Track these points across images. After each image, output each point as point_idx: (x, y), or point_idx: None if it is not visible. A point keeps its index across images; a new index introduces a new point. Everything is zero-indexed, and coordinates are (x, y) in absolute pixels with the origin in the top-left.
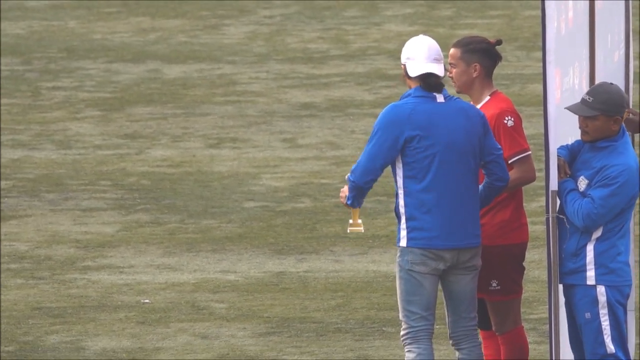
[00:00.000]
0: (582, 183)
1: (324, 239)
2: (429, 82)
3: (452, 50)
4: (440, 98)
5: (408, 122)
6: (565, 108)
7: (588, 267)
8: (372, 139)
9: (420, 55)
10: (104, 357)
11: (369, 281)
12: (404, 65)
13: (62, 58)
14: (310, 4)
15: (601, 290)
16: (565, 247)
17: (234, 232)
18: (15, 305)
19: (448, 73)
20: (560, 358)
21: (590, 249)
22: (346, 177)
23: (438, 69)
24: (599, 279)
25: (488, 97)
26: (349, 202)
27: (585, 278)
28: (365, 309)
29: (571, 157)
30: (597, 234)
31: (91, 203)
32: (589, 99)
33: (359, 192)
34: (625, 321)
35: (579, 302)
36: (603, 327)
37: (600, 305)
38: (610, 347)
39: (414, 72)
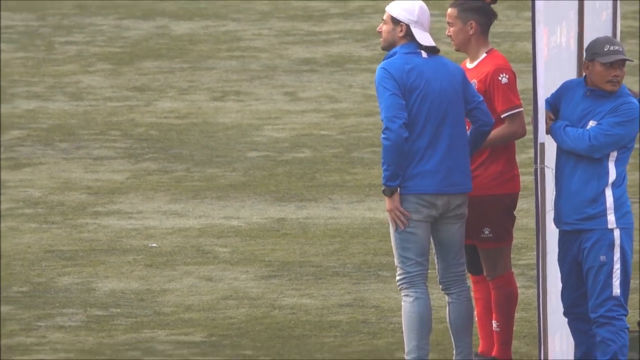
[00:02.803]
0: (592, 124)
1: (322, 188)
2: (432, 49)
3: (449, 10)
4: (424, 54)
5: (405, 76)
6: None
7: (608, 212)
8: (381, 94)
9: (426, 23)
10: (113, 298)
11: (365, 227)
12: (407, 25)
13: (75, 14)
14: None
15: (618, 233)
16: (578, 194)
17: (238, 180)
18: (29, 248)
19: (446, 31)
20: (547, 301)
21: (609, 194)
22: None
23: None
24: (618, 222)
25: (484, 55)
26: (390, 183)
27: (606, 222)
28: (361, 254)
29: (552, 109)
30: (612, 178)
31: (102, 152)
32: (619, 48)
33: (397, 154)
34: (631, 267)
35: (595, 245)
36: (614, 269)
37: (615, 249)
38: (617, 289)
39: (422, 39)
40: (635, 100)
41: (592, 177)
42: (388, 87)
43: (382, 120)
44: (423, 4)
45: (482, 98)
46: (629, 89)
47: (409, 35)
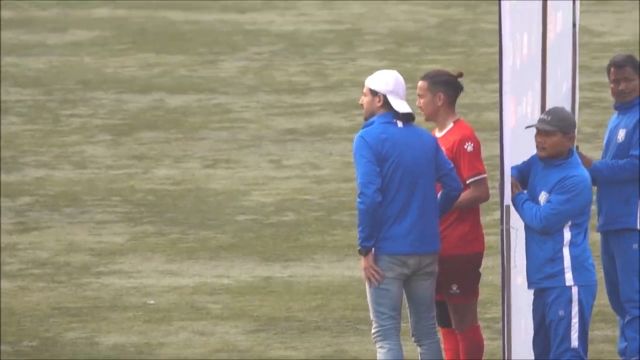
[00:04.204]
0: (543, 197)
1: (305, 248)
2: (407, 117)
3: (420, 83)
4: (400, 124)
5: (380, 144)
6: (526, 127)
7: (566, 270)
8: (358, 161)
9: (401, 92)
10: (115, 351)
11: (344, 285)
12: (384, 95)
13: (79, 89)
14: (294, 42)
15: (576, 290)
16: (538, 255)
17: (228, 242)
18: (38, 305)
19: (417, 103)
20: (512, 353)
21: (566, 254)
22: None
23: (409, 108)
24: (576, 280)
25: (452, 124)
26: (365, 244)
27: (564, 280)
28: (341, 309)
29: (520, 176)
30: (568, 238)
31: (104, 216)
32: (547, 118)
33: (371, 217)
34: (590, 321)
35: (555, 301)
36: (572, 323)
37: (573, 304)
38: (575, 342)
39: (399, 107)
40: (580, 172)
41: (549, 239)
42: (364, 154)
43: (357, 186)
44: (398, 74)
45: (452, 165)
46: (582, 155)
47: (386, 104)
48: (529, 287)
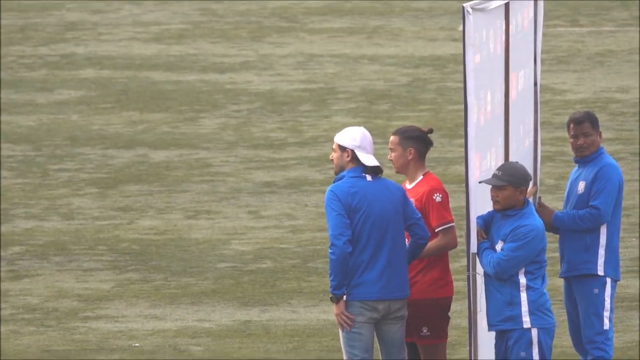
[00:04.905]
0: (499, 246)
1: (282, 294)
2: (375, 170)
3: (391, 138)
4: (369, 177)
5: (349, 197)
6: (479, 182)
7: (524, 314)
8: (329, 214)
9: (368, 147)
10: None
11: (320, 328)
12: (352, 150)
13: (66, 145)
14: (271, 100)
15: (535, 332)
16: (497, 299)
17: (209, 288)
18: (29, 348)
19: (388, 157)
20: None
21: (524, 298)
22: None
23: (377, 161)
24: (535, 323)
25: (421, 177)
26: (337, 292)
27: (521, 322)
28: (317, 351)
29: (485, 225)
30: (524, 283)
31: (90, 264)
32: (498, 173)
33: (342, 266)
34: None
35: (516, 344)
36: None
37: (533, 346)
38: None
39: (366, 161)
40: (532, 222)
41: (506, 284)
42: (334, 208)
43: (329, 237)
44: (365, 130)
45: (419, 215)
46: (544, 205)
47: (354, 159)
48: (489, 329)
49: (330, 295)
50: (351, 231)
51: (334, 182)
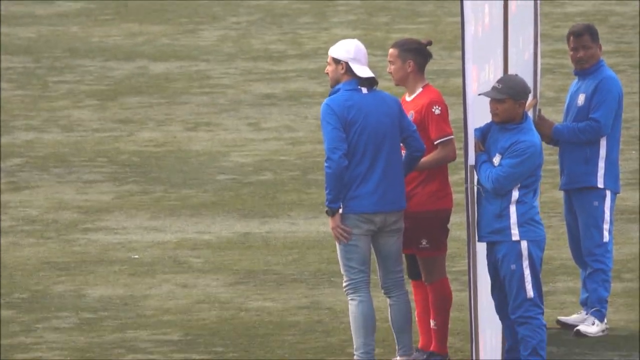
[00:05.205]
0: (497, 159)
1: (282, 206)
2: (370, 81)
3: (390, 50)
4: (364, 90)
5: (345, 111)
6: (479, 94)
7: (512, 226)
8: (325, 128)
9: (363, 59)
10: (102, 303)
11: (319, 240)
12: (346, 62)
13: (66, 57)
14: (270, 12)
15: (525, 244)
16: (488, 210)
17: (208, 200)
18: (28, 260)
19: (387, 69)
20: (478, 303)
21: (513, 211)
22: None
23: (372, 72)
24: (523, 235)
25: (420, 89)
26: (332, 205)
27: (510, 235)
28: (316, 263)
29: (483, 137)
30: (516, 197)
31: (90, 176)
32: (498, 85)
33: (337, 180)
34: (540, 271)
35: (505, 256)
36: (525, 275)
37: (523, 258)
38: (530, 292)
39: (361, 73)
40: (530, 138)
41: (498, 196)
42: (330, 121)
43: (325, 151)
44: (358, 42)
45: (415, 127)
46: (544, 118)
47: (349, 71)
48: (479, 240)
49: (327, 209)
50: (347, 144)
51: (329, 95)
